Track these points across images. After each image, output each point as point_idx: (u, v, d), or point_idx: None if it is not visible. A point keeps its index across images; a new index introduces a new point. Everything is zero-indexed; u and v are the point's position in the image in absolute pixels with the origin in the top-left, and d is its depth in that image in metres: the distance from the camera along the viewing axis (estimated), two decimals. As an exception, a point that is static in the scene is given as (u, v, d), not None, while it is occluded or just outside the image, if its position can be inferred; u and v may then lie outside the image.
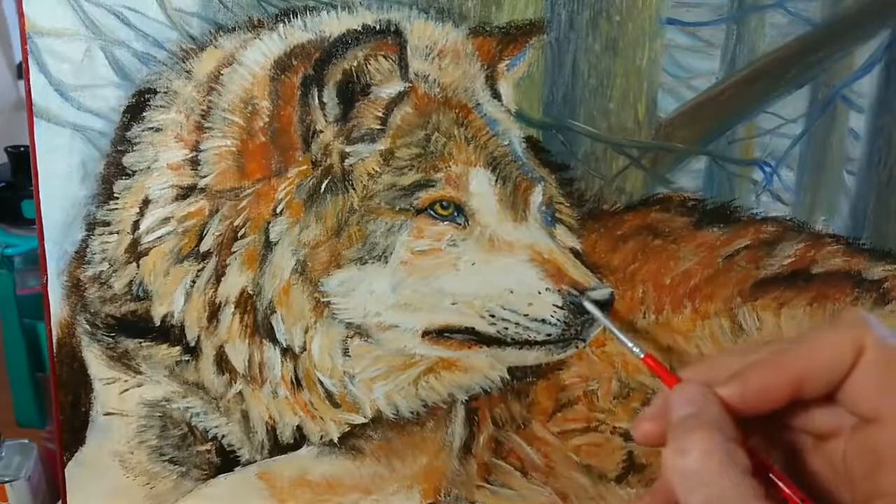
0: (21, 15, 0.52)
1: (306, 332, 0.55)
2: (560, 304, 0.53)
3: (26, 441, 0.67)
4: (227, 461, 0.60)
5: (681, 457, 0.35)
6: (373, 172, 0.53)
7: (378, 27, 0.53)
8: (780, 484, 0.37)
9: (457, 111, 0.55)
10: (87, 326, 0.58)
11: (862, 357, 0.36)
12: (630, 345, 0.48)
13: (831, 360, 0.37)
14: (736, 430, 0.36)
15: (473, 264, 0.54)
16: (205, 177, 0.54)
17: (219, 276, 0.54)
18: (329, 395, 0.58)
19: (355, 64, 0.53)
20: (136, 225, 0.55)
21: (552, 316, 0.53)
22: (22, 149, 0.95)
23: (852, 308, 0.41)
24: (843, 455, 0.38)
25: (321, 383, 0.57)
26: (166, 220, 0.55)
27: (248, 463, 0.60)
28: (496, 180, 0.54)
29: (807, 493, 0.37)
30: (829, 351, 0.37)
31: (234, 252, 0.54)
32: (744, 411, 0.37)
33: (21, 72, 0.54)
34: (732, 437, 0.36)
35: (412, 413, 0.59)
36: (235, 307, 0.55)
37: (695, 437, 0.35)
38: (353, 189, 0.53)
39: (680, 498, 0.35)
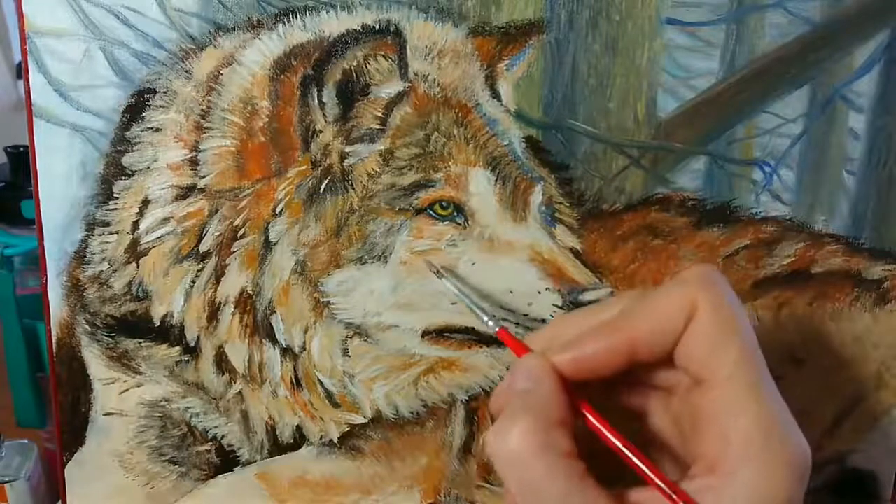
0: (20, 15, 0.52)
1: (306, 332, 0.55)
2: (560, 304, 0.53)
3: (26, 441, 0.67)
4: (226, 461, 0.60)
5: (499, 439, 0.34)
6: (372, 172, 0.53)
7: (378, 27, 0.53)
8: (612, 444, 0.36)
9: (456, 111, 0.55)
10: (87, 326, 0.58)
11: (693, 319, 0.36)
12: (486, 318, 0.48)
13: (663, 324, 0.36)
14: (563, 409, 0.35)
15: (473, 264, 0.54)
16: (204, 177, 0.54)
17: (218, 276, 0.54)
18: (329, 395, 0.58)
19: (355, 64, 0.53)
20: (135, 225, 0.55)
21: (552, 316, 0.53)
22: (21, 149, 0.96)
23: (694, 265, 0.40)
24: (679, 414, 0.38)
25: (321, 383, 0.57)
26: (166, 220, 0.55)
27: (248, 463, 0.60)
28: (496, 180, 0.54)
29: (646, 455, 0.36)
30: (662, 314, 0.36)
31: (233, 252, 0.54)
32: (580, 378, 0.36)
33: (20, 72, 0.54)
34: (557, 418, 0.35)
35: (412, 413, 0.59)
36: (235, 307, 0.55)
37: (515, 420, 0.34)
38: (353, 189, 0.53)
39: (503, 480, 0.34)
